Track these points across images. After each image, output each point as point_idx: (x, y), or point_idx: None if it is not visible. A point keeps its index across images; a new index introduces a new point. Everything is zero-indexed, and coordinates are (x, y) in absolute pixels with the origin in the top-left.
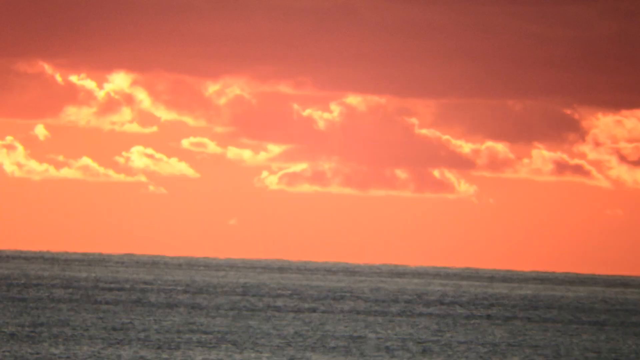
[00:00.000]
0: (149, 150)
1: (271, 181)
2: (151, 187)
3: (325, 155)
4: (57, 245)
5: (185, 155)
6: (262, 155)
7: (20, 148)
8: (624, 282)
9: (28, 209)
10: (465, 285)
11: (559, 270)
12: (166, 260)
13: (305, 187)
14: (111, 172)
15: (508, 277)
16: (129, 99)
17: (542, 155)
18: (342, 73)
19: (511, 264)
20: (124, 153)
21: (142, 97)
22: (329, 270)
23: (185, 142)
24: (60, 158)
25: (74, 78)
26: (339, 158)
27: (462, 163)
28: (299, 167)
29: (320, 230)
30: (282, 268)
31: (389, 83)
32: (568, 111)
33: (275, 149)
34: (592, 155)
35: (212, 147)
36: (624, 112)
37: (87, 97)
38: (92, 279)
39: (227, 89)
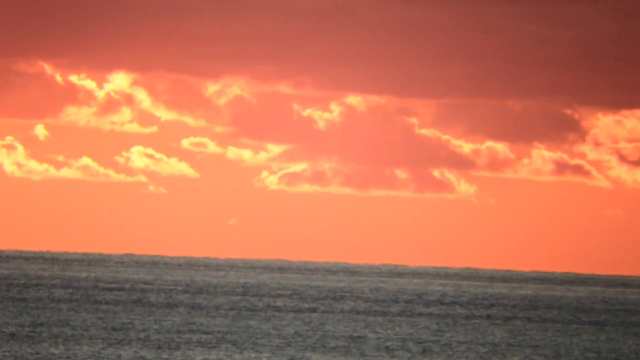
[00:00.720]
0: (149, 150)
1: (271, 181)
2: (151, 187)
3: (325, 155)
4: (57, 245)
5: (185, 155)
6: (262, 155)
7: (20, 148)
8: (624, 282)
9: (28, 209)
10: (465, 285)
11: (559, 270)
12: (166, 260)
13: (305, 187)
14: (111, 172)
15: (508, 277)
16: (129, 99)
17: (542, 155)
18: (342, 73)
19: (511, 264)
20: (124, 153)
21: (142, 97)
22: (329, 270)
23: (185, 142)
24: (60, 158)
25: (74, 78)
26: (339, 158)
27: (462, 163)
28: (299, 167)
29: (320, 230)
30: (282, 268)
31: (389, 83)
32: (568, 111)
33: (275, 149)
34: (592, 155)
35: (212, 147)
36: (624, 112)
37: (87, 97)
38: (92, 279)
39: (227, 89)
